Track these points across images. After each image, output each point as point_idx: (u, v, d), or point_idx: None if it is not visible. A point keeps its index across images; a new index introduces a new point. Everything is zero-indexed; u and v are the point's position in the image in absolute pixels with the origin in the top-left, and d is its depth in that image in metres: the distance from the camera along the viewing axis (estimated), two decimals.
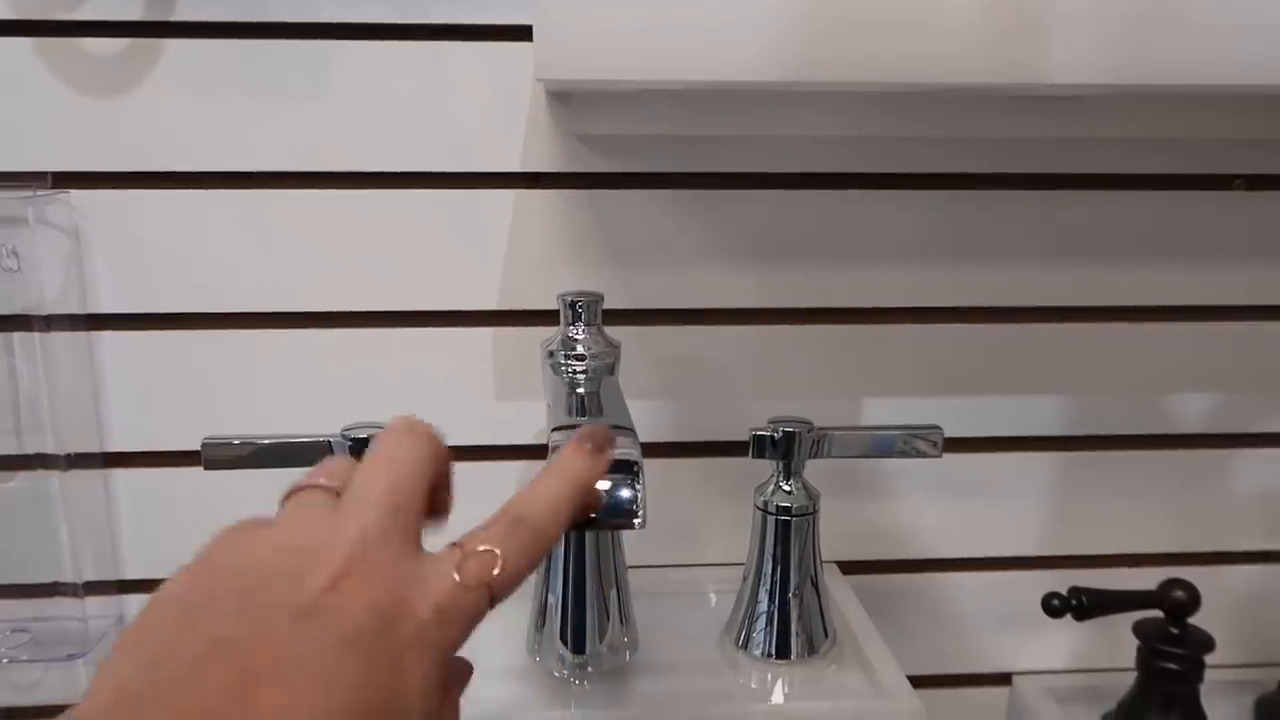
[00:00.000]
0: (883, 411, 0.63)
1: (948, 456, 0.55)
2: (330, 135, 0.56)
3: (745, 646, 0.55)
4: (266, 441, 0.51)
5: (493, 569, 0.28)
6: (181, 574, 0.27)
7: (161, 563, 0.61)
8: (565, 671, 0.52)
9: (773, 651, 0.54)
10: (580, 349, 0.49)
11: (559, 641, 0.51)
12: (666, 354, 0.61)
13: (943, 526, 0.65)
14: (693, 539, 0.64)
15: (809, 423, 0.53)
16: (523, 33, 0.54)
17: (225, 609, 0.25)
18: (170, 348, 0.58)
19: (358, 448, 0.50)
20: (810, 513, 0.54)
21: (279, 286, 0.58)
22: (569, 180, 0.58)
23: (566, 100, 0.56)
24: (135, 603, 0.61)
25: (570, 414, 0.45)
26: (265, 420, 0.58)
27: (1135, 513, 0.66)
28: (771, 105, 0.56)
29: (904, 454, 0.54)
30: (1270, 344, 0.64)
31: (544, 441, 0.41)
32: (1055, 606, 0.56)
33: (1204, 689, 0.56)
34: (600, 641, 0.51)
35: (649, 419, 0.61)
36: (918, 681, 0.52)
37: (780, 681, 0.53)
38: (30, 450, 0.57)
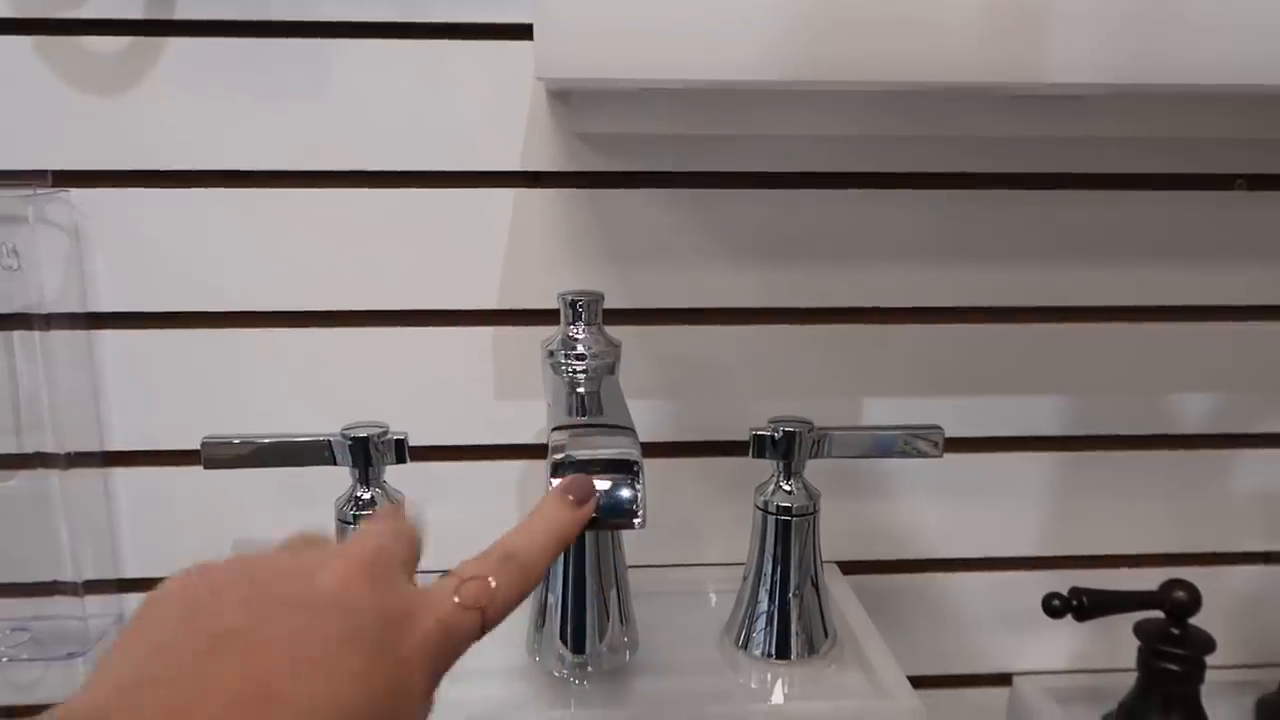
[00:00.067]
0: (883, 411, 0.63)
1: (948, 456, 0.55)
2: (330, 134, 0.56)
3: (745, 646, 0.55)
4: (266, 440, 0.51)
5: (487, 594, 0.30)
6: (180, 576, 0.28)
7: (161, 561, 0.61)
8: (565, 671, 0.52)
9: (773, 651, 0.54)
10: (580, 348, 0.49)
11: (559, 641, 0.51)
12: (667, 353, 0.61)
13: (943, 527, 0.65)
14: (693, 539, 0.64)
15: (809, 422, 0.53)
16: (523, 31, 0.54)
17: (231, 601, 0.26)
18: (170, 347, 0.58)
19: (358, 446, 0.50)
20: (810, 513, 0.54)
21: (279, 285, 0.58)
22: (569, 179, 0.58)
23: (567, 99, 0.56)
24: (135, 602, 0.60)
25: (570, 413, 0.45)
26: (265, 419, 0.58)
27: (1136, 513, 0.66)
28: (771, 104, 0.56)
29: (904, 454, 0.54)
30: (1270, 344, 0.64)
31: (544, 441, 0.41)
32: (1056, 607, 0.56)
33: (1205, 690, 0.56)
34: (600, 641, 0.51)
35: (649, 418, 0.61)
36: (918, 682, 0.52)
37: (780, 681, 0.53)
38: (30, 449, 0.57)
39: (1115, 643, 0.65)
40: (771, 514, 0.54)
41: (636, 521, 0.37)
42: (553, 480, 0.37)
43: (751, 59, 0.45)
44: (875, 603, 0.61)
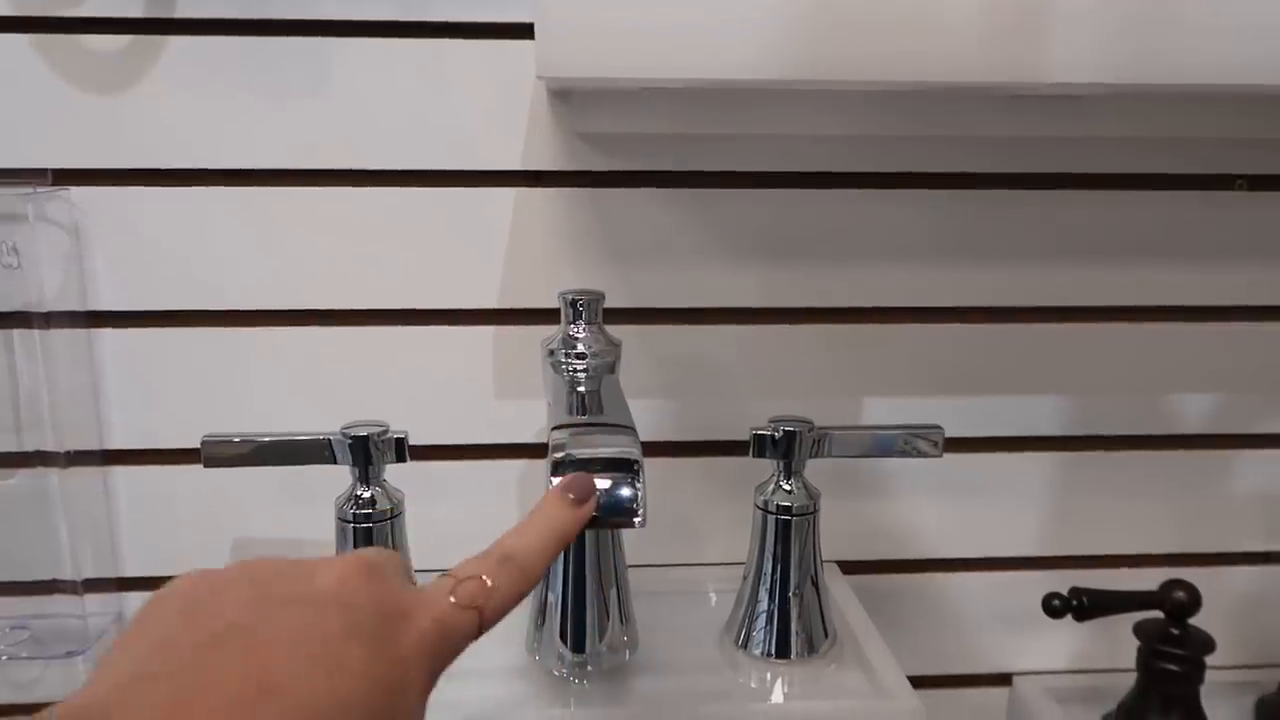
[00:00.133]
0: (883, 411, 0.63)
1: (948, 456, 0.55)
2: (331, 133, 0.56)
3: (745, 646, 0.55)
4: (266, 439, 0.51)
5: (484, 594, 0.30)
6: (181, 579, 0.28)
7: (161, 560, 0.62)
8: (565, 670, 0.52)
9: (772, 651, 0.54)
10: (581, 347, 0.49)
11: (559, 640, 0.51)
12: (667, 353, 0.61)
13: (943, 526, 0.65)
14: (693, 538, 0.64)
15: (809, 422, 0.53)
16: (524, 30, 0.54)
17: (232, 600, 0.26)
18: (170, 345, 0.58)
19: (358, 445, 0.50)
20: (810, 512, 0.54)
21: (279, 284, 0.58)
22: (570, 178, 0.58)
23: (567, 98, 0.56)
24: (135, 600, 0.60)
25: (571, 412, 0.45)
26: (265, 418, 0.58)
27: (1136, 513, 0.66)
28: (772, 104, 0.56)
29: (904, 454, 0.54)
30: (1270, 344, 0.64)
31: (544, 440, 0.41)
32: (1056, 607, 0.56)
33: (1204, 690, 0.56)
34: (600, 640, 0.51)
35: (649, 418, 0.61)
36: (918, 681, 0.52)
37: (780, 681, 0.53)
38: (30, 447, 0.57)
39: (1115, 643, 0.65)
40: (771, 513, 0.54)
41: (637, 520, 0.37)
42: (553, 479, 0.37)
43: (752, 58, 0.45)
44: (875, 602, 0.61)
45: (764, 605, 0.54)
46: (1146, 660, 0.56)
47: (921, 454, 0.54)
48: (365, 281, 0.58)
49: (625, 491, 0.37)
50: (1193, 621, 0.56)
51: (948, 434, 0.54)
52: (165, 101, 0.55)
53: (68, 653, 0.58)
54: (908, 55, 0.46)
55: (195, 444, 0.50)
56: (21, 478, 0.57)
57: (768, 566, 0.54)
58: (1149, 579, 0.57)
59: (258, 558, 0.29)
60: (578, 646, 0.51)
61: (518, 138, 0.57)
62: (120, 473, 0.59)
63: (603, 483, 0.36)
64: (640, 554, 0.61)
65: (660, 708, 0.50)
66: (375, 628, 0.26)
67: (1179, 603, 0.55)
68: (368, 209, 0.57)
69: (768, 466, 0.54)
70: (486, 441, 0.61)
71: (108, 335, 0.58)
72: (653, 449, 0.59)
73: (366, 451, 0.50)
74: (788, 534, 0.53)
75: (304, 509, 0.60)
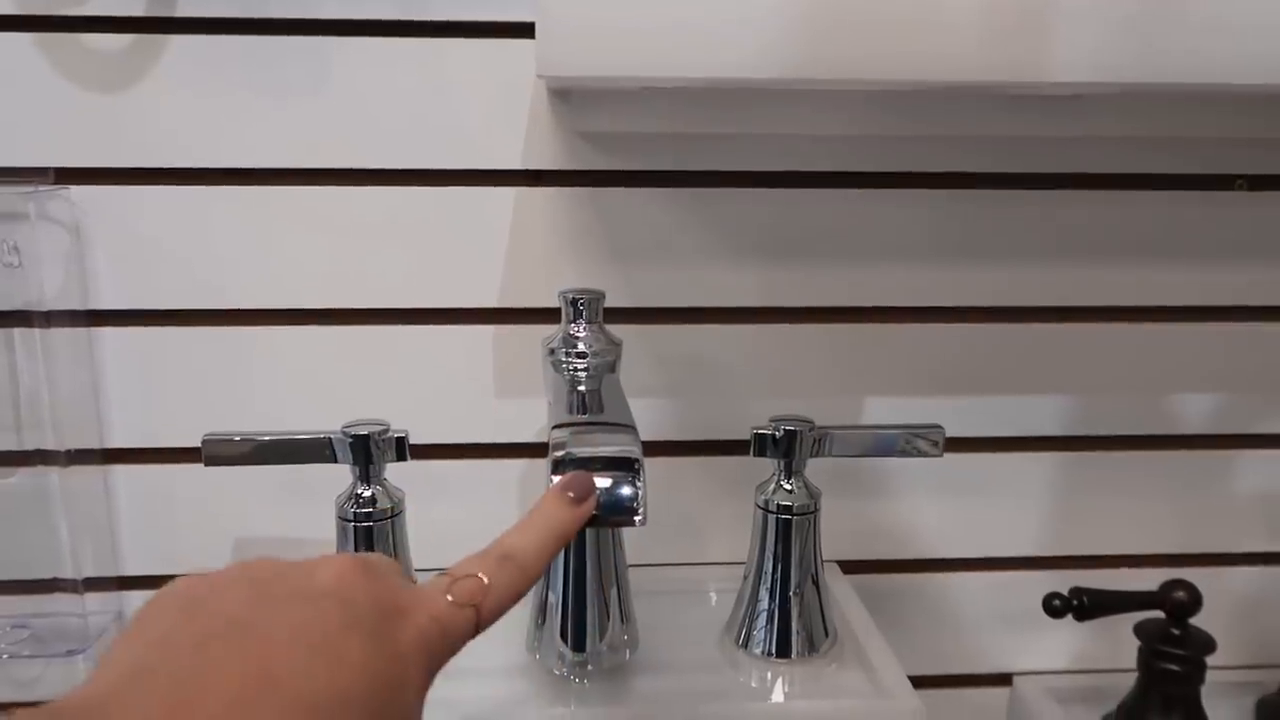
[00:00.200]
0: (884, 411, 0.63)
1: (949, 456, 0.55)
2: (331, 132, 0.56)
3: (746, 645, 0.55)
4: (267, 438, 0.51)
5: (481, 593, 0.30)
6: (180, 579, 0.28)
7: (161, 559, 0.62)
8: (565, 669, 0.52)
9: (773, 650, 0.54)
10: (581, 346, 0.49)
11: (559, 639, 0.51)
12: (668, 352, 0.61)
13: (944, 526, 0.65)
14: (693, 537, 0.64)
15: (810, 421, 0.53)
16: (524, 30, 0.54)
17: (232, 598, 0.26)
18: (171, 344, 0.58)
19: (358, 444, 0.50)
20: (811, 511, 0.54)
21: (280, 283, 0.58)
22: (570, 178, 0.58)
23: (568, 97, 0.56)
24: (135, 599, 0.60)
25: (571, 412, 0.45)
26: (265, 417, 0.58)
27: (1136, 513, 0.66)
28: (772, 103, 0.56)
29: (905, 453, 0.54)
30: (1270, 344, 0.64)
31: (545, 439, 0.41)
32: (1056, 607, 0.56)
33: (1205, 690, 0.56)
34: (600, 640, 0.51)
35: (650, 417, 0.61)
36: (918, 681, 0.52)
37: (780, 680, 0.53)
38: (30, 446, 0.57)
39: (1115, 643, 0.65)
40: (772, 513, 0.54)
41: (637, 519, 0.37)
42: (553, 478, 0.37)
43: (752, 58, 0.45)
44: (876, 602, 0.61)
45: (764, 604, 0.54)
46: (1147, 660, 0.56)
47: (922, 454, 0.54)
48: (366, 281, 0.58)
49: (625, 490, 0.37)
50: (1193, 622, 0.56)
51: (948, 434, 0.54)
52: (166, 100, 0.55)
53: (68, 651, 0.58)
54: (908, 55, 0.46)
55: (196, 443, 0.50)
56: (22, 476, 0.57)
57: (768, 566, 0.54)
58: (1149, 579, 0.57)
59: (258, 558, 0.29)
60: (578, 645, 0.51)
61: (518, 137, 0.57)
62: (121, 471, 0.59)
63: (603, 481, 0.36)
64: (641, 553, 0.61)
65: (660, 707, 0.50)
66: (374, 623, 0.26)
67: (1179, 603, 0.55)
68: (368, 208, 0.57)
69: (768, 466, 0.54)
70: (487, 441, 0.61)
71: (108, 334, 0.58)
72: (653, 448, 0.59)
73: (367, 450, 0.50)
74: (788, 533, 0.53)
75: (304, 508, 0.60)
